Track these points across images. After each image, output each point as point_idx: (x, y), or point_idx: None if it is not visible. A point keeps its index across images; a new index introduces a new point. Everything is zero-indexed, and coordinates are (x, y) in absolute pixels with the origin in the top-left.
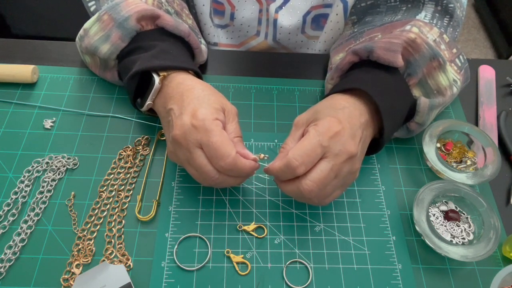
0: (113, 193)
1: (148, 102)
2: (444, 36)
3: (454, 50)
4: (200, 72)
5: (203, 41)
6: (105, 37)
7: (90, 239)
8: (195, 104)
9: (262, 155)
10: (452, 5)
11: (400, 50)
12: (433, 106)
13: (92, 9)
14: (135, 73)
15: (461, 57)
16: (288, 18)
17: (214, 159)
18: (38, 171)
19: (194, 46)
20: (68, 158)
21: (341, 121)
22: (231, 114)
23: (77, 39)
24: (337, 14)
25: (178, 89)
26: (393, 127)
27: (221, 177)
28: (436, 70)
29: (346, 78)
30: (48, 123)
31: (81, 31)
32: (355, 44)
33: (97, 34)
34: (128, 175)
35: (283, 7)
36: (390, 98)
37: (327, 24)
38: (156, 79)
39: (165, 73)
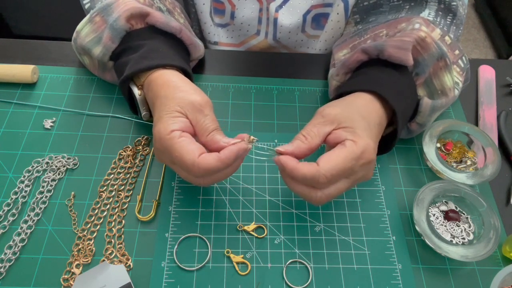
0: (113, 193)
1: (144, 113)
2: (446, 37)
3: (457, 52)
4: (187, 67)
5: (196, 38)
6: (97, 39)
7: (90, 239)
8: (156, 118)
9: (251, 137)
10: (454, 3)
11: (411, 48)
12: (435, 107)
13: (86, 7)
14: (123, 81)
15: (464, 58)
16: (288, 17)
17: (186, 171)
18: (38, 171)
19: (187, 42)
20: (68, 158)
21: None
22: (197, 109)
23: (72, 41)
24: (337, 14)
25: (151, 97)
26: (403, 128)
27: (206, 180)
28: (442, 70)
29: (360, 76)
30: (48, 123)
31: (74, 34)
32: (360, 41)
33: (88, 36)
34: (128, 175)
35: (283, 6)
36: (403, 101)
37: (328, 24)
38: (135, 91)
39: (142, 83)
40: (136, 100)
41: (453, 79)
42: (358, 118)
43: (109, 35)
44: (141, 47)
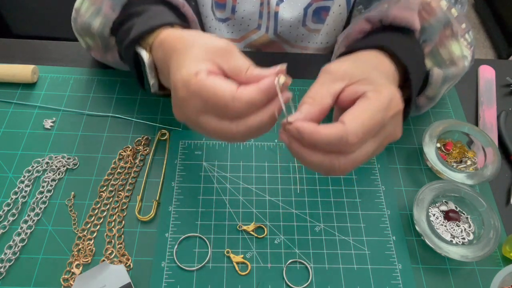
0: (113, 193)
1: (152, 81)
2: (453, 10)
3: (463, 25)
4: (198, 29)
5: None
6: (97, 10)
7: (90, 239)
8: (175, 70)
9: (283, 78)
10: None
11: (417, 10)
12: (447, 77)
13: None
14: (127, 46)
15: (470, 33)
16: (289, 11)
17: (223, 110)
18: (38, 171)
19: (190, 19)
20: (68, 158)
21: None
22: (226, 51)
23: (72, 23)
24: (339, 5)
25: (162, 57)
26: (416, 92)
27: (241, 125)
28: (448, 38)
29: (365, 39)
30: (48, 123)
31: (73, 13)
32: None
33: (88, 10)
34: (128, 175)
35: (284, 0)
36: (415, 61)
37: (329, 16)
38: (144, 54)
39: (150, 44)
40: (144, 66)
41: (461, 48)
42: (371, 70)
43: (109, 3)
44: (145, 11)
